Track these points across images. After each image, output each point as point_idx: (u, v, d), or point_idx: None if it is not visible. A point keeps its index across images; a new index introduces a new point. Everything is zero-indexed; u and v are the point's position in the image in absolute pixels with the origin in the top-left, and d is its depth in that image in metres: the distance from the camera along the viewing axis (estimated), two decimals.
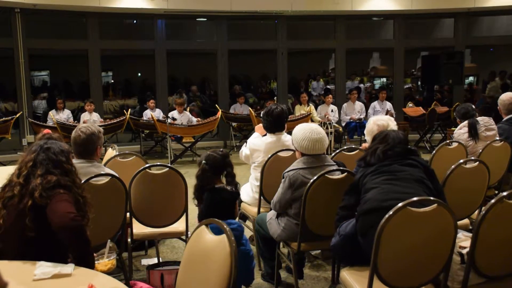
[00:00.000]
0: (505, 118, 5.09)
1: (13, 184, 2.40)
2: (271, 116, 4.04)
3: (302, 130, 3.30)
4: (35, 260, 2.22)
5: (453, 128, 7.51)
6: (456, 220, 2.36)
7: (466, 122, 4.93)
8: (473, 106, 5.15)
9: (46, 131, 3.74)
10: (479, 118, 4.93)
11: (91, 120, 9.03)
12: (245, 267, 2.97)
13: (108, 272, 2.27)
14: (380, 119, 3.40)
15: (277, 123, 4.07)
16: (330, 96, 10.47)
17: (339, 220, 2.85)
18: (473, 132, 4.82)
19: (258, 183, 3.93)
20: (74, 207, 2.35)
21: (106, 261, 2.32)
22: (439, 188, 2.83)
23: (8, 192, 2.39)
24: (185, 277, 2.17)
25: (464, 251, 2.53)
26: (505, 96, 5.12)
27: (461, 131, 4.96)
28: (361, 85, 15.60)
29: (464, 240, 2.63)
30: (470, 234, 2.52)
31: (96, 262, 2.37)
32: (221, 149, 3.30)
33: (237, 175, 3.26)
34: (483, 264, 2.47)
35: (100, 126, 8.19)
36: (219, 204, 3.06)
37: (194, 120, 9.41)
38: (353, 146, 4.27)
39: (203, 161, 3.17)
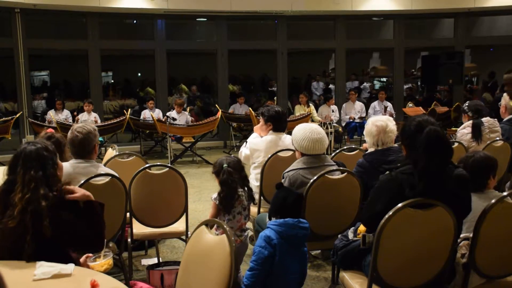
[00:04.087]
0: (506, 118, 5.03)
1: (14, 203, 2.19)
2: (279, 115, 4.12)
3: (302, 130, 3.30)
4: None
5: (454, 128, 7.51)
6: (456, 220, 2.36)
7: (470, 122, 4.81)
8: (485, 106, 5.06)
9: (49, 130, 3.74)
10: (484, 119, 4.81)
11: (88, 120, 9.00)
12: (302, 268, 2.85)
13: (107, 272, 2.26)
14: (379, 119, 3.39)
15: (283, 122, 4.17)
16: (332, 99, 10.50)
17: None
18: (477, 133, 4.72)
19: (258, 183, 3.93)
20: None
21: (103, 261, 2.31)
22: None
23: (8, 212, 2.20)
24: (185, 277, 2.17)
25: (464, 260, 2.53)
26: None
27: (464, 131, 4.85)
28: (366, 84, 15.59)
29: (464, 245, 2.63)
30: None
31: (92, 263, 2.36)
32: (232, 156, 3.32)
33: None
34: (483, 264, 2.47)
35: (100, 126, 8.23)
36: (281, 203, 2.87)
37: (190, 120, 9.44)
38: (353, 146, 4.27)
39: (224, 165, 3.12)
